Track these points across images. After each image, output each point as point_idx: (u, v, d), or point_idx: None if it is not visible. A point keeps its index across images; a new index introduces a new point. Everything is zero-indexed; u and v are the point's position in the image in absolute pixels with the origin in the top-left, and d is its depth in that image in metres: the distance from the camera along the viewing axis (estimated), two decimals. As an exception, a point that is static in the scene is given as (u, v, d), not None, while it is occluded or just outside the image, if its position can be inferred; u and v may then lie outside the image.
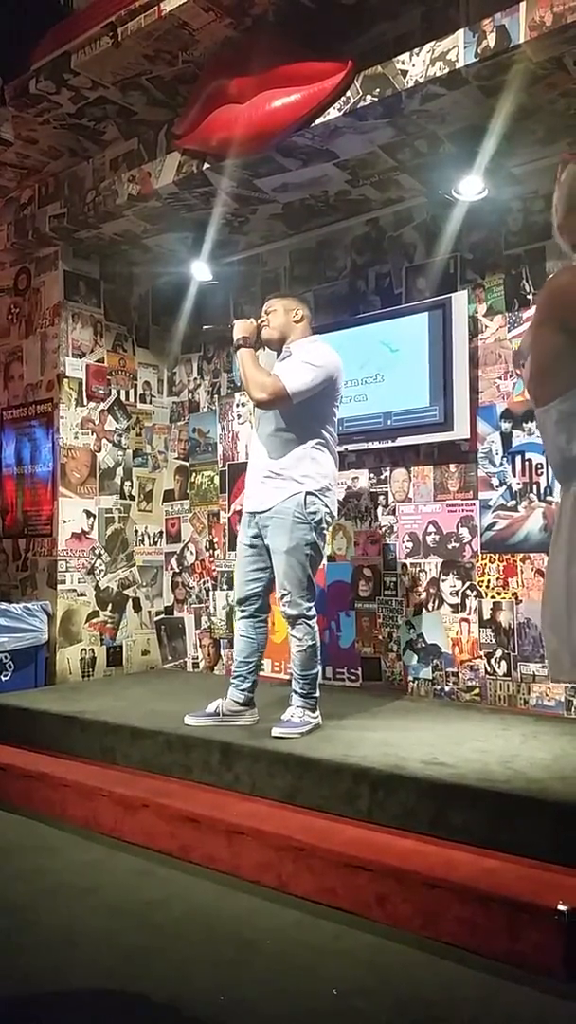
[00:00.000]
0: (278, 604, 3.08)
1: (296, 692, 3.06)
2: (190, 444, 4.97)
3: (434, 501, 3.87)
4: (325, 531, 3.13)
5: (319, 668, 3.11)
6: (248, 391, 3.11)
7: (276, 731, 2.92)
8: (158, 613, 4.98)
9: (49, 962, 2.01)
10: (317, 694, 3.08)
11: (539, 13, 2.67)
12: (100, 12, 3.33)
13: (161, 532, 5.04)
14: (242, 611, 3.22)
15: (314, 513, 3.04)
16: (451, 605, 3.79)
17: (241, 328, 3.18)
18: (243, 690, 3.19)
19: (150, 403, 5.02)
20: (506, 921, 1.96)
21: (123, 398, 4.84)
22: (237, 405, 4.73)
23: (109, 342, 4.78)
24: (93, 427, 4.67)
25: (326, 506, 3.10)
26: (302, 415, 3.07)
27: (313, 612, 3.07)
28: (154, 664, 4.94)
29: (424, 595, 3.88)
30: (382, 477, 4.07)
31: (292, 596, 3.02)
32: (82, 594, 4.56)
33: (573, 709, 3.39)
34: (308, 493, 3.04)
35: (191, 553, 4.90)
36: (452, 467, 3.82)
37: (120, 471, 4.81)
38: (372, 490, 4.10)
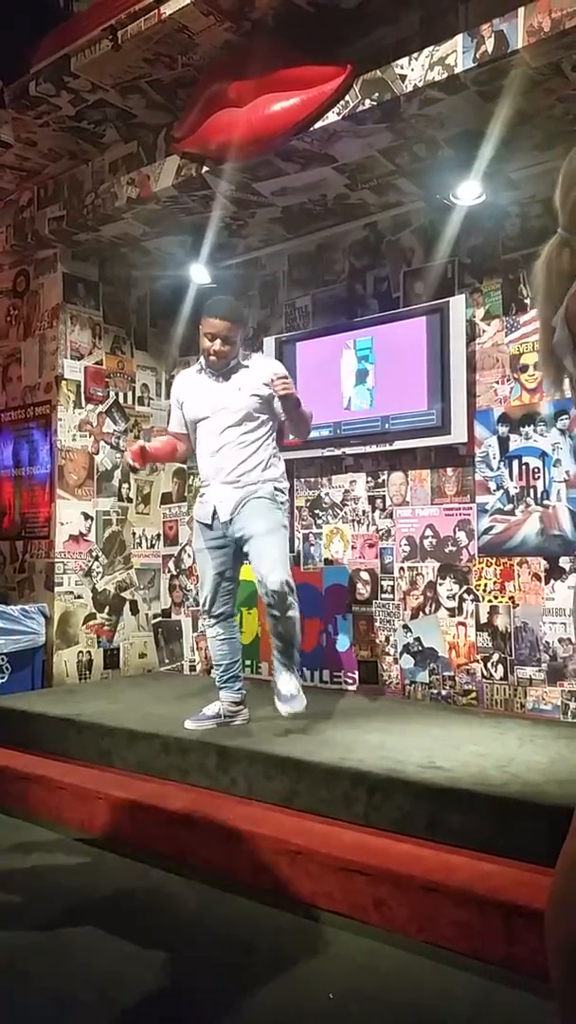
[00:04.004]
0: (266, 584, 3.00)
1: (287, 665, 3.07)
2: (188, 447, 4.97)
3: (431, 505, 3.88)
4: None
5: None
6: (306, 432, 3.32)
7: (289, 709, 2.97)
8: (155, 616, 4.98)
9: (46, 965, 2.00)
10: (299, 658, 3.15)
11: (537, 19, 2.68)
12: (100, 15, 3.33)
13: (159, 535, 5.04)
14: (217, 614, 3.23)
15: (283, 502, 3.20)
16: (448, 609, 3.80)
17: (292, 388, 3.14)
18: (238, 690, 3.23)
19: (148, 406, 5.02)
20: (503, 925, 1.96)
21: (121, 400, 4.84)
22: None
23: (107, 344, 4.78)
24: (91, 429, 4.67)
25: (287, 497, 3.26)
26: (264, 425, 3.19)
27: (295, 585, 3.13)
28: (151, 667, 4.93)
29: (421, 599, 3.89)
30: (379, 481, 4.07)
31: (281, 574, 3.00)
32: (79, 596, 4.55)
33: (570, 713, 3.39)
34: (276, 488, 3.17)
35: (188, 556, 4.90)
36: (449, 471, 3.83)
37: (118, 473, 4.81)
38: (369, 493, 4.11)
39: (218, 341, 3.11)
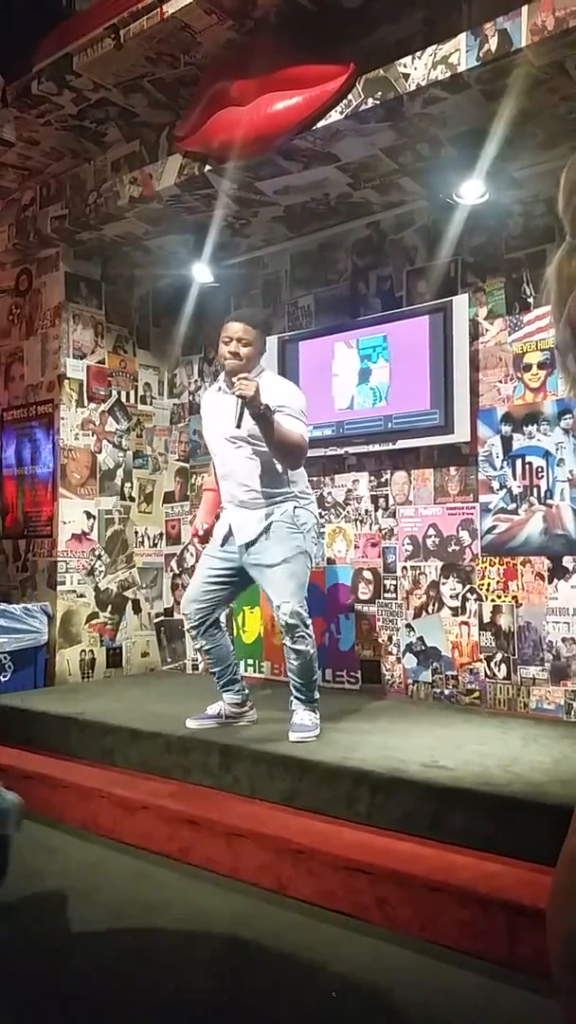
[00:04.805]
0: (277, 616, 3.03)
1: (299, 699, 3.05)
2: (190, 446, 4.97)
3: (434, 504, 3.87)
4: (314, 540, 3.14)
5: (318, 672, 3.12)
6: (292, 460, 2.99)
7: (294, 736, 2.91)
8: (158, 615, 4.98)
9: (48, 964, 2.00)
10: (318, 696, 3.09)
11: (541, 17, 2.67)
12: (102, 14, 3.33)
13: (161, 534, 5.04)
14: (196, 623, 3.14)
15: (305, 523, 3.07)
16: (451, 608, 3.79)
17: (255, 387, 2.81)
18: (238, 691, 3.22)
19: (151, 404, 5.03)
20: (506, 925, 1.96)
21: (124, 399, 4.84)
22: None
23: (110, 343, 4.78)
24: (94, 428, 4.67)
25: (312, 515, 3.14)
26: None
27: (310, 620, 3.06)
28: (153, 666, 4.93)
29: (424, 598, 3.88)
30: (382, 480, 4.07)
31: (293, 604, 2.98)
32: (82, 595, 4.55)
33: (573, 713, 3.39)
34: (296, 507, 3.06)
35: (191, 555, 4.90)
36: (452, 470, 3.82)
37: (120, 472, 4.81)
38: (372, 493, 4.11)
39: (233, 343, 3.01)
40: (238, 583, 3.17)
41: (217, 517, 3.27)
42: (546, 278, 1.32)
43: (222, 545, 3.13)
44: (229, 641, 3.26)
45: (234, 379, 2.90)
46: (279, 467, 3.04)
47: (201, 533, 3.28)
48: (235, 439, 3.02)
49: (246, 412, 2.86)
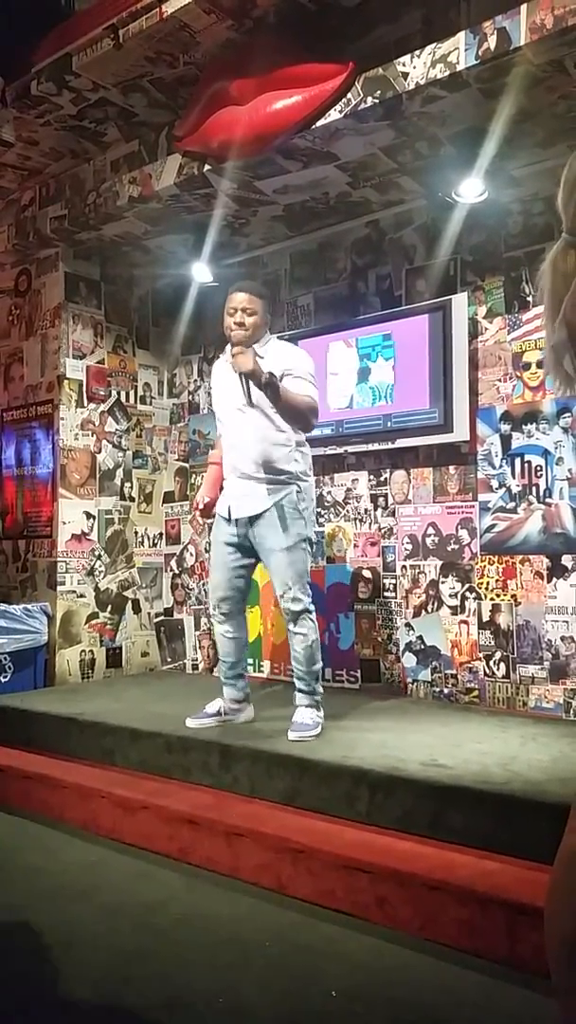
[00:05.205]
0: (280, 602, 3.07)
1: (302, 691, 3.06)
2: (190, 446, 4.97)
3: (433, 503, 3.87)
4: (314, 524, 3.19)
5: (321, 663, 3.13)
6: (303, 422, 3.02)
7: (292, 735, 2.91)
8: (158, 615, 4.98)
9: (47, 964, 2.00)
10: (321, 690, 3.09)
11: (540, 15, 2.67)
12: (101, 14, 3.33)
13: (161, 534, 5.04)
14: (225, 611, 3.19)
15: (306, 507, 3.09)
16: (450, 607, 3.79)
17: (252, 358, 2.87)
18: (241, 688, 3.23)
19: (150, 404, 5.02)
20: (505, 923, 1.96)
21: (123, 399, 4.84)
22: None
23: (109, 343, 4.78)
24: (93, 428, 4.67)
25: (312, 499, 3.17)
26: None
27: (313, 606, 3.09)
28: (153, 666, 4.93)
29: (423, 597, 3.88)
30: (381, 479, 4.07)
31: (295, 591, 3.02)
32: (82, 595, 4.55)
33: (572, 711, 3.39)
34: (298, 490, 3.07)
35: (191, 555, 4.90)
36: (451, 469, 3.82)
37: (120, 472, 4.81)
38: (371, 492, 4.11)
39: (239, 313, 3.02)
40: (253, 563, 3.18)
41: (221, 490, 3.28)
42: (540, 273, 1.31)
43: (228, 523, 3.14)
44: (247, 637, 3.30)
45: (234, 359, 2.91)
46: (285, 440, 3.06)
47: (203, 507, 3.29)
48: (244, 408, 3.03)
49: (252, 385, 2.88)
